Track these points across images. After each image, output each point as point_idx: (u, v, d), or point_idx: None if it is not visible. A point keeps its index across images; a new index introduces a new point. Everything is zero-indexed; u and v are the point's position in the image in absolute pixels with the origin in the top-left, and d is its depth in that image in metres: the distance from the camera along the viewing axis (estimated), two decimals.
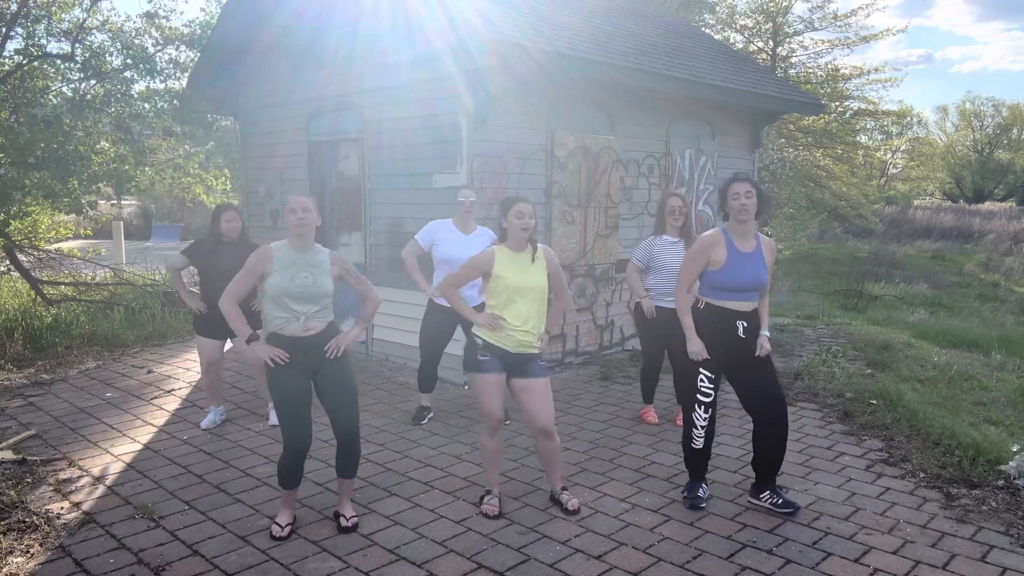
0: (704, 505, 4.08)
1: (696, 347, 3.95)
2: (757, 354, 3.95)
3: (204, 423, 5.42)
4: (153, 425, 5.48)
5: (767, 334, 4.02)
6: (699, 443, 4.06)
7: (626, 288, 7.73)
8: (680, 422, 5.51)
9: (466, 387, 6.40)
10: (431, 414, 5.58)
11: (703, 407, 4.01)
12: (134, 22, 10.77)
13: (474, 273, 3.93)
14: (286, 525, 3.75)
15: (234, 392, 6.31)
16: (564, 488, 4.12)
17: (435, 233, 5.27)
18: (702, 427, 4.03)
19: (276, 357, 3.57)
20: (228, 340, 5.44)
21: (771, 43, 21.29)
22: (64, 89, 10.30)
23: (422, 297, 6.55)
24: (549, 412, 3.89)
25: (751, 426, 5.44)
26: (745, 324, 3.93)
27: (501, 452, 4.09)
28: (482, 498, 4.08)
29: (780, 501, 3.99)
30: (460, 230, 5.26)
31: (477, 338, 3.91)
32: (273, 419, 5.46)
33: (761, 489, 4.07)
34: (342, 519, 3.82)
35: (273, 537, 3.70)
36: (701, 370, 3.98)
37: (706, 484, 4.21)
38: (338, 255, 3.79)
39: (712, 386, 3.99)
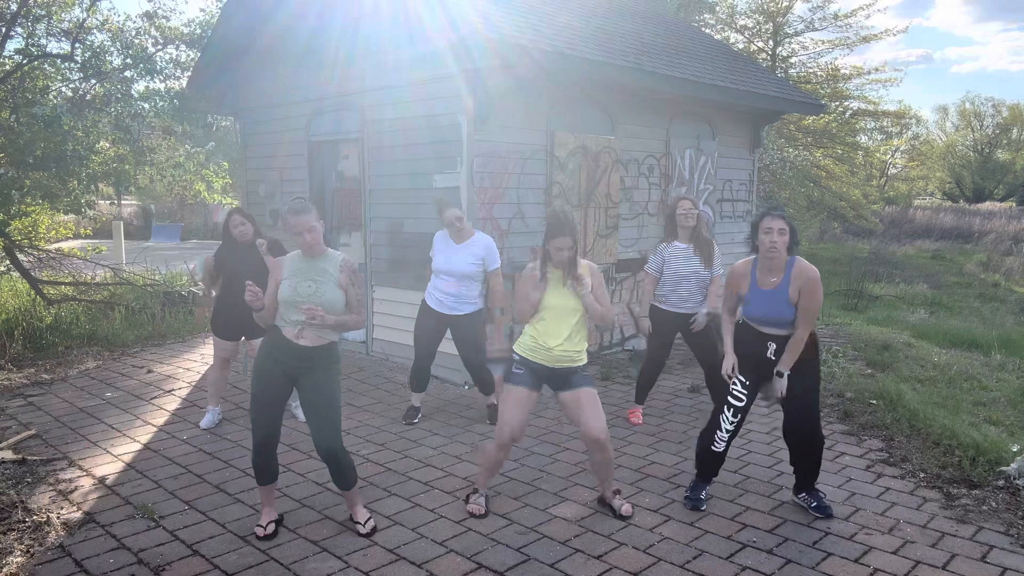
0: (704, 507, 4.07)
1: (728, 364, 3.97)
2: (764, 400, 3.98)
3: (203, 423, 5.44)
4: (153, 425, 5.48)
5: (783, 373, 3.85)
6: (720, 446, 4.02)
7: (626, 288, 7.73)
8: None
9: (466, 387, 6.40)
10: (420, 414, 5.59)
11: (732, 411, 3.98)
12: (134, 22, 10.78)
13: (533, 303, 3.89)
14: (268, 523, 3.74)
15: (234, 392, 6.31)
16: (616, 492, 4.08)
17: (434, 244, 5.41)
18: (727, 431, 4.00)
19: (254, 291, 3.47)
20: (244, 340, 5.49)
21: (771, 43, 21.29)
22: (64, 89, 10.30)
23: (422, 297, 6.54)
24: (599, 421, 3.83)
25: (752, 427, 5.46)
26: (775, 346, 3.90)
27: (500, 465, 4.05)
28: (468, 497, 4.08)
29: (815, 504, 3.99)
30: (453, 239, 5.31)
31: (515, 353, 3.92)
32: (300, 416, 5.47)
33: (799, 489, 4.09)
34: (358, 526, 3.80)
35: (258, 537, 3.70)
36: (735, 375, 3.98)
37: (708, 488, 4.20)
38: (351, 263, 3.65)
39: (744, 391, 3.96)
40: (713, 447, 4.03)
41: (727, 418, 3.99)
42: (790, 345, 3.83)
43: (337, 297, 3.58)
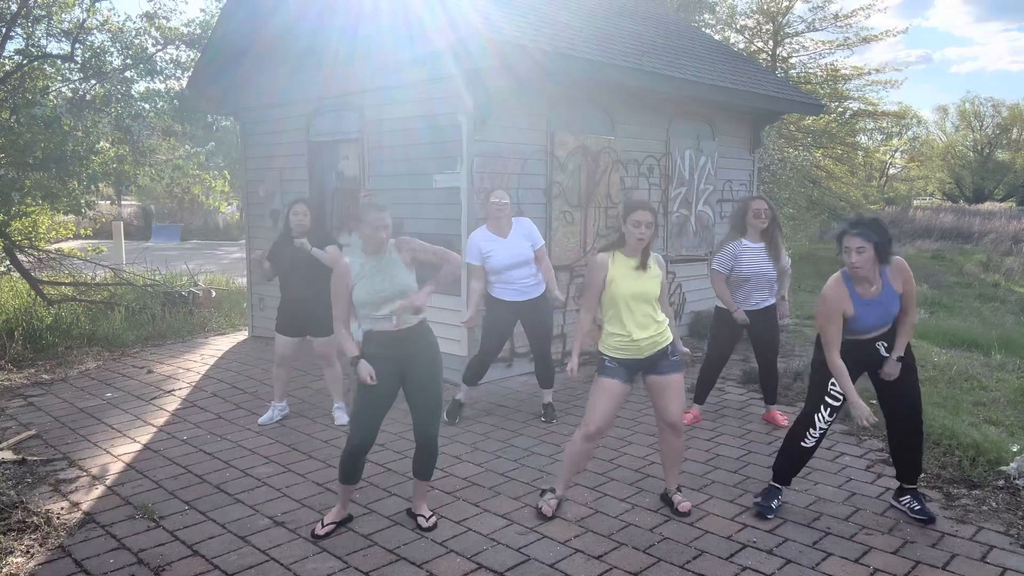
0: (772, 516, 3.95)
1: (862, 411, 3.69)
2: (883, 376, 3.87)
3: (262, 419, 5.46)
4: (153, 425, 5.48)
5: (896, 356, 3.82)
6: (810, 442, 3.95)
7: None
8: (780, 421, 5.43)
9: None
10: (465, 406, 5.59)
11: (829, 410, 3.90)
12: (134, 22, 10.77)
13: (596, 287, 3.85)
14: (328, 524, 3.76)
15: (233, 392, 6.31)
16: (679, 488, 4.08)
17: (480, 246, 5.24)
18: (820, 429, 3.93)
19: (370, 376, 3.57)
20: (307, 338, 5.46)
21: (771, 43, 21.30)
22: (64, 89, 10.30)
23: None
24: (678, 408, 3.87)
25: (752, 427, 5.46)
26: (886, 344, 3.85)
27: (585, 458, 3.98)
28: (543, 493, 4.07)
29: (918, 507, 3.92)
30: (497, 235, 5.26)
31: (604, 355, 3.89)
32: (339, 420, 5.46)
33: (902, 492, 4.02)
34: (420, 519, 3.83)
35: (314, 534, 3.71)
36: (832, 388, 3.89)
37: (782, 494, 4.08)
38: (403, 240, 3.74)
39: (842, 392, 3.85)
40: (804, 443, 3.95)
41: (823, 417, 3.91)
42: (904, 330, 3.83)
43: (409, 277, 3.68)
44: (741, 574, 3.40)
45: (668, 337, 3.89)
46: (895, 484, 4.40)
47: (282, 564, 3.48)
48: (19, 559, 3.53)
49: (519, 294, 5.30)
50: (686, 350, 4.01)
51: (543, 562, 3.50)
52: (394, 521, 3.92)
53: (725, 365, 5.59)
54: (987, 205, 40.43)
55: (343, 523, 3.85)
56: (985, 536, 3.77)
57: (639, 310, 3.79)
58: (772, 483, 4.08)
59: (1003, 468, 4.49)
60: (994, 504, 4.12)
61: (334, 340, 5.19)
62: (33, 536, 3.74)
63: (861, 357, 3.88)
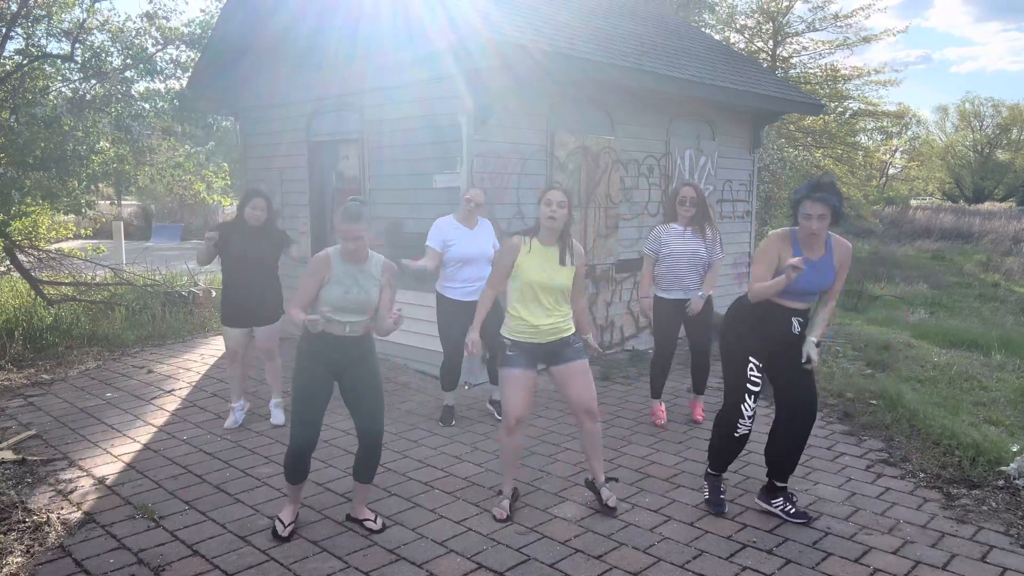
0: (727, 508, 4.01)
1: (789, 272, 3.61)
2: (804, 364, 3.85)
3: (228, 423, 5.38)
4: (153, 425, 5.48)
5: (815, 340, 3.85)
6: (743, 430, 3.93)
7: (626, 288, 7.73)
8: (699, 416, 5.51)
9: (466, 387, 6.39)
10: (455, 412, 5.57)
11: (752, 396, 3.91)
12: (134, 22, 10.77)
13: (503, 270, 3.86)
14: (288, 524, 3.74)
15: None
16: (607, 481, 4.09)
17: (444, 233, 5.25)
18: (749, 417, 3.92)
19: (311, 323, 3.50)
20: (254, 329, 5.36)
21: (771, 43, 21.30)
22: (64, 89, 10.30)
23: (422, 297, 6.58)
24: (589, 392, 3.87)
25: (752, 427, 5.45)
26: (801, 320, 3.86)
27: (518, 452, 4.03)
28: (499, 492, 4.08)
29: (792, 511, 3.93)
30: (464, 225, 5.29)
31: (504, 338, 3.89)
32: (275, 419, 5.46)
33: (774, 494, 4.01)
34: (367, 522, 3.81)
35: (275, 535, 3.70)
36: (751, 359, 3.89)
37: (722, 483, 4.13)
38: (391, 266, 3.75)
39: (761, 375, 3.90)
40: (736, 433, 3.94)
41: (748, 405, 3.91)
42: (824, 316, 3.87)
43: (378, 297, 3.69)
44: (741, 574, 3.40)
45: (571, 328, 3.92)
46: (895, 484, 4.41)
47: (282, 564, 3.48)
48: (19, 559, 3.53)
49: (466, 295, 5.28)
50: (596, 346, 4.06)
51: (543, 562, 3.50)
52: (394, 521, 3.92)
53: (674, 353, 5.56)
54: (987, 205, 40.43)
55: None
56: (985, 536, 3.77)
57: (546, 298, 3.80)
58: (709, 471, 4.10)
59: (1003, 468, 4.49)
60: (994, 504, 4.12)
61: (276, 331, 5.29)
62: (33, 536, 3.74)
63: (773, 332, 3.86)
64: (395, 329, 3.71)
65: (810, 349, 3.85)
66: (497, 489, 4.18)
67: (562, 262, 3.81)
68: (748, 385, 3.90)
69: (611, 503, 3.96)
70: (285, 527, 3.73)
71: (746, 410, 3.91)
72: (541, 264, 3.79)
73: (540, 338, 3.84)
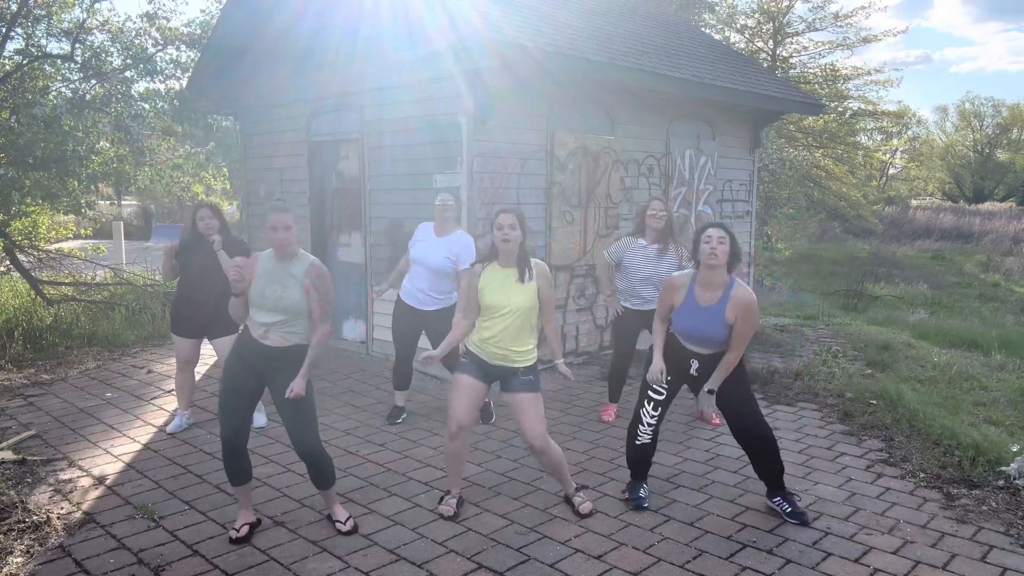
0: (647, 505, 4.06)
1: (655, 371, 3.98)
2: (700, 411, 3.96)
3: (170, 428, 5.32)
4: (153, 425, 5.48)
5: (710, 391, 3.92)
6: (644, 439, 4.06)
7: None
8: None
9: None
10: (405, 414, 5.57)
11: (652, 404, 4.03)
12: (134, 22, 10.77)
13: (470, 297, 3.90)
14: (241, 526, 3.72)
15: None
16: (579, 489, 4.13)
17: (415, 235, 5.34)
18: (648, 424, 4.04)
19: (239, 268, 3.48)
20: (204, 339, 5.34)
21: (771, 43, 21.30)
22: (64, 89, 10.30)
23: None
24: (534, 428, 3.80)
25: None
26: (697, 364, 3.96)
27: (461, 456, 4.00)
28: (441, 498, 4.08)
29: (789, 510, 3.94)
30: (434, 232, 5.25)
31: (465, 346, 3.95)
32: (257, 422, 5.33)
33: (772, 494, 4.04)
34: (337, 524, 3.80)
35: (231, 540, 3.67)
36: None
37: (646, 485, 4.19)
38: (320, 268, 3.62)
39: (664, 387, 4.00)
40: (637, 440, 4.08)
41: (648, 412, 4.03)
42: (722, 365, 3.88)
43: (301, 300, 3.57)
44: (741, 574, 3.40)
45: (525, 361, 3.82)
46: (895, 484, 4.41)
47: (282, 564, 3.48)
48: (19, 559, 3.53)
49: (413, 299, 5.29)
50: (567, 372, 3.90)
51: (543, 562, 3.50)
52: (394, 521, 3.92)
53: (632, 359, 5.61)
54: (987, 205, 40.41)
55: (255, 525, 3.80)
56: (985, 536, 3.77)
57: (499, 319, 3.77)
58: (631, 479, 4.20)
59: (1003, 468, 4.49)
60: (994, 504, 4.12)
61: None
62: (33, 536, 3.74)
63: (674, 355, 4.01)
64: (321, 355, 3.64)
65: (702, 400, 3.90)
66: (447, 488, 4.14)
67: (520, 280, 3.78)
68: (650, 392, 4.04)
69: (583, 510, 3.98)
70: (239, 531, 3.69)
71: (644, 416, 4.05)
72: (498, 286, 3.79)
73: (486, 357, 3.85)
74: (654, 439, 4.09)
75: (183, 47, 11.13)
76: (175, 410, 5.55)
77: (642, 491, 4.12)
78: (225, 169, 13.21)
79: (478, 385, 3.89)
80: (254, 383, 3.67)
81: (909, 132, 45.81)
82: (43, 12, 9.52)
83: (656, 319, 4.08)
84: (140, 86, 11.70)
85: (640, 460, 4.14)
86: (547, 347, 4.12)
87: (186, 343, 5.29)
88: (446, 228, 5.20)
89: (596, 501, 4.16)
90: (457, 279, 5.13)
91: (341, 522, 3.79)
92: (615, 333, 5.59)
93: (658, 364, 3.99)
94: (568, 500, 4.10)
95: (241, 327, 3.73)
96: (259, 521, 3.85)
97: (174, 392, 6.33)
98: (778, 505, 3.98)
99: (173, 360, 7.47)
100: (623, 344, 5.53)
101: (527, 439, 3.85)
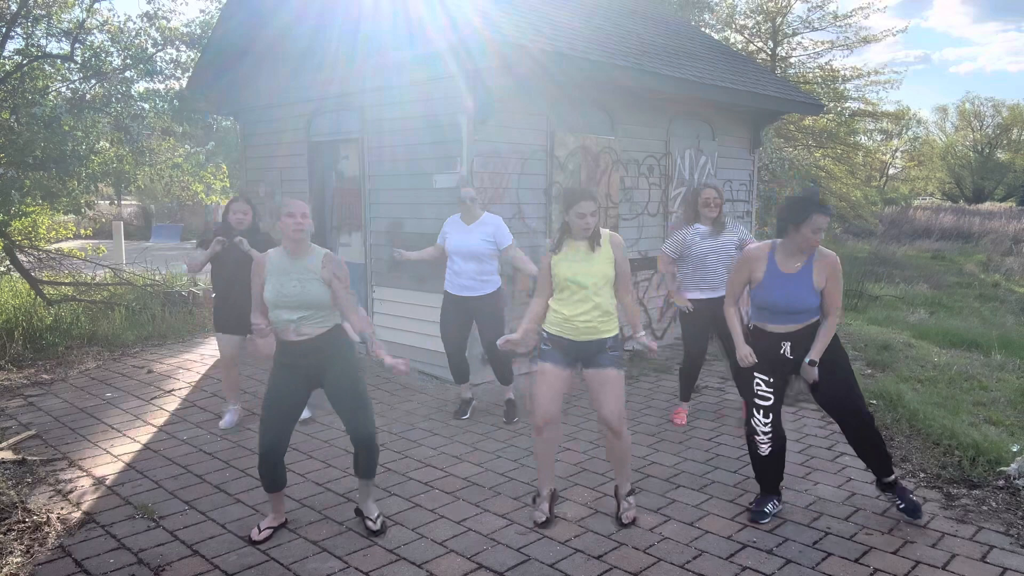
0: (767, 521, 3.89)
1: (743, 352, 3.79)
2: (806, 380, 3.75)
3: (223, 423, 5.38)
4: (153, 425, 5.48)
5: (812, 360, 3.71)
6: (764, 449, 3.87)
7: None
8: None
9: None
10: (474, 402, 5.72)
11: (762, 411, 3.84)
12: (134, 22, 10.79)
13: (544, 278, 3.84)
14: (265, 528, 3.72)
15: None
16: (630, 493, 3.97)
17: (445, 227, 5.54)
18: (764, 433, 3.86)
19: (257, 330, 3.56)
20: (247, 336, 5.36)
21: (770, 43, 21.31)
22: (64, 89, 10.30)
23: (422, 297, 6.58)
24: (614, 406, 3.70)
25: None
26: (790, 344, 3.77)
27: (551, 451, 3.90)
28: (533, 500, 4.01)
29: (902, 505, 3.89)
30: (463, 221, 5.45)
31: (542, 331, 3.83)
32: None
33: (883, 489, 3.98)
34: (368, 521, 3.79)
35: (251, 539, 3.68)
36: (756, 374, 3.83)
37: (779, 499, 4.00)
38: (334, 257, 3.65)
39: (770, 390, 3.82)
40: (759, 452, 3.90)
41: (760, 421, 3.86)
42: (821, 333, 3.72)
43: (323, 293, 3.58)
44: (741, 574, 3.40)
45: (612, 329, 3.75)
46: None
47: (282, 564, 3.48)
48: (19, 559, 3.53)
49: (460, 288, 5.41)
50: (651, 344, 3.80)
51: (543, 562, 3.50)
52: (394, 521, 3.92)
53: (704, 358, 5.54)
54: (987, 205, 40.43)
55: (280, 527, 3.82)
56: (985, 536, 3.77)
57: (580, 291, 3.69)
58: (761, 494, 4.05)
59: (1003, 468, 4.49)
60: (994, 504, 4.12)
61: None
62: (33, 536, 3.74)
63: (769, 356, 3.81)
64: (368, 328, 3.65)
65: (805, 373, 3.75)
66: (535, 492, 4.05)
67: (592, 249, 3.72)
68: (756, 400, 3.87)
69: (625, 518, 3.86)
70: (260, 532, 3.71)
71: (758, 425, 3.87)
72: (571, 260, 3.74)
73: (575, 334, 3.72)
74: (776, 445, 3.87)
75: (183, 47, 11.15)
76: (229, 408, 5.49)
77: (769, 505, 3.92)
78: (225, 168, 13.21)
79: (563, 373, 3.77)
80: (303, 392, 3.67)
81: (909, 132, 45.85)
82: (43, 12, 9.53)
83: (727, 304, 3.92)
84: (140, 86, 11.72)
85: (765, 471, 3.92)
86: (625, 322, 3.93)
87: (232, 339, 5.37)
88: (473, 216, 5.41)
89: (596, 501, 4.15)
90: (513, 256, 5.37)
91: (372, 519, 3.78)
92: (685, 331, 5.43)
93: (744, 348, 3.80)
94: (616, 495, 3.97)
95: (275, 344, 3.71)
96: (285, 522, 3.87)
97: (174, 392, 6.33)
98: (890, 500, 3.95)
99: (172, 360, 7.48)
100: (694, 344, 5.38)
101: (606, 418, 3.71)
